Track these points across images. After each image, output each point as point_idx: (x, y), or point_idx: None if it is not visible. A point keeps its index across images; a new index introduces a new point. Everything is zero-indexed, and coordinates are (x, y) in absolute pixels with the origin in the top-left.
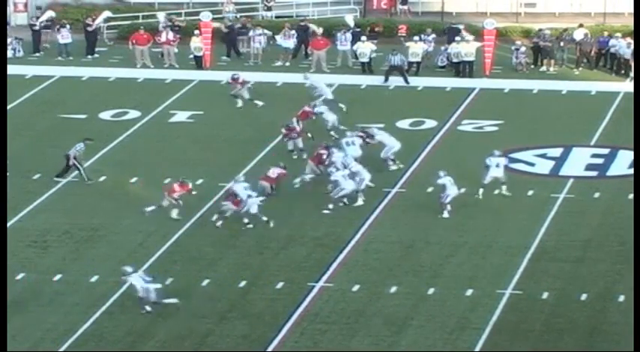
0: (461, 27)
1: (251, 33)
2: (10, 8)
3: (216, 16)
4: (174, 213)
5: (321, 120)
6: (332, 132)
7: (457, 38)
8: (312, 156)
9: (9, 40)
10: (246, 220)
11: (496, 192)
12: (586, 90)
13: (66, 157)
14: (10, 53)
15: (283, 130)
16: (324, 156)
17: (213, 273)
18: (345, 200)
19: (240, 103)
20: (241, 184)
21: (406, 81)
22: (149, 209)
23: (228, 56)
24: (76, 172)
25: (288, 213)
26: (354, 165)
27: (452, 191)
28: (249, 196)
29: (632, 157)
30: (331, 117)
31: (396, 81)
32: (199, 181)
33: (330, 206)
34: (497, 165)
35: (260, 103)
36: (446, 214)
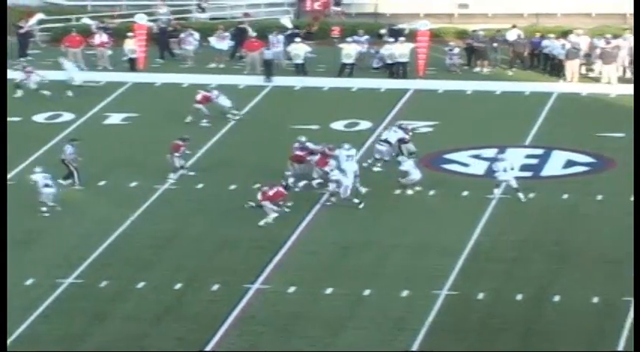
0: (405, 27)
1: (182, 35)
2: None
3: (150, 18)
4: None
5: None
6: (228, 116)
7: (390, 39)
8: (318, 160)
9: None
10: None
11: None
12: (520, 91)
13: (62, 162)
14: None
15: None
16: (329, 159)
17: (149, 275)
18: (355, 199)
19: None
20: None
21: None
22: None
23: (162, 58)
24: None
25: (224, 215)
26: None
27: (416, 175)
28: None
29: (567, 158)
30: (227, 103)
31: (330, 82)
32: (133, 183)
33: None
34: (505, 170)
35: (47, 93)
36: (410, 192)
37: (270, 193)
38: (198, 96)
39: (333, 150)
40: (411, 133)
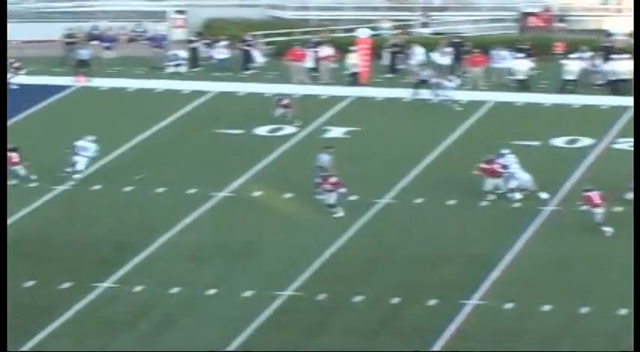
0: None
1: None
2: (168, 23)
3: (373, 32)
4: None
5: None
6: None
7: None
8: (484, 169)
9: (172, 54)
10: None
11: None
12: None
13: (319, 168)
14: (172, 68)
15: None
16: (498, 168)
17: (366, 289)
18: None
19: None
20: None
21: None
22: None
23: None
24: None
25: (439, 230)
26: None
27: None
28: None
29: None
30: None
31: (552, 99)
32: (354, 197)
33: None
34: None
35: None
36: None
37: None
38: None
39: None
40: None
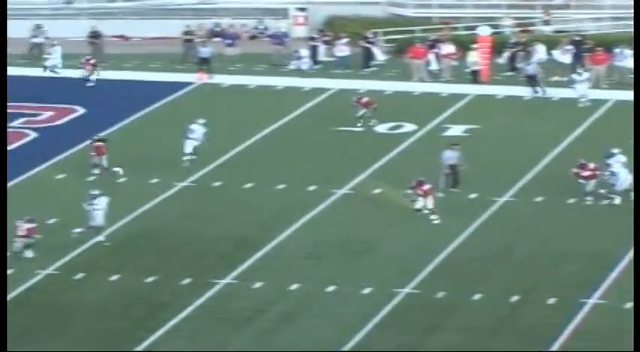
0: None
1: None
2: (290, 21)
3: (494, 30)
4: None
5: None
6: None
7: None
8: (576, 174)
9: (293, 51)
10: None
11: None
12: None
13: (450, 168)
14: (293, 65)
15: None
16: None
17: (485, 288)
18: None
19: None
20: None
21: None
22: None
23: (512, 71)
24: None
25: (561, 228)
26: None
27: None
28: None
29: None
30: None
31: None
32: (472, 195)
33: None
34: None
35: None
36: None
37: None
38: None
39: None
40: None
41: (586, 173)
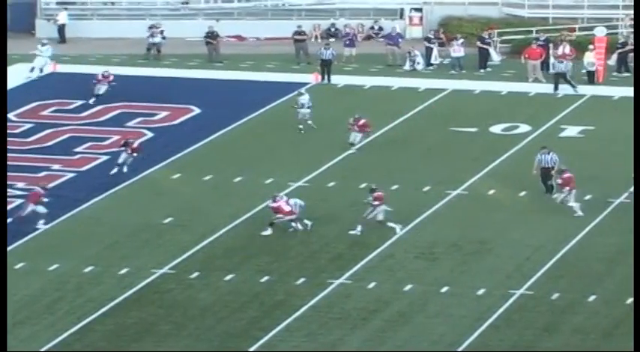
0: None
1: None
2: (406, 21)
3: (610, 31)
4: None
5: None
6: None
7: None
8: None
9: (408, 52)
10: None
11: None
12: None
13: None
14: (407, 65)
15: None
16: None
17: (600, 289)
18: None
19: None
20: None
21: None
22: None
23: (619, 72)
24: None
25: None
26: None
27: None
28: None
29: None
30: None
31: None
32: (589, 197)
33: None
34: None
35: None
36: None
37: None
38: None
39: None
40: None
41: None
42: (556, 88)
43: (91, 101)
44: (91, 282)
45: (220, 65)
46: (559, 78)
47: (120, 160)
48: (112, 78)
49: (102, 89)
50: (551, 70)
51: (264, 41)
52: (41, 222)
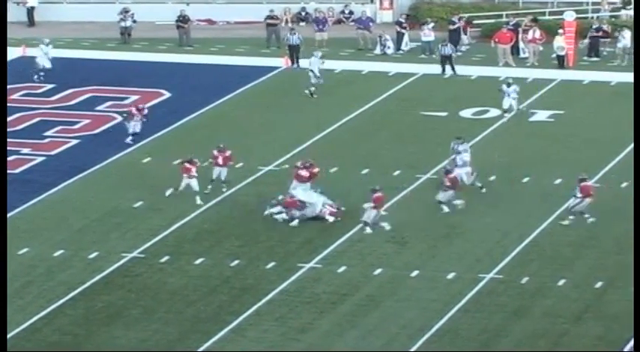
0: None
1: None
2: (376, 5)
3: (579, 15)
4: None
5: None
6: None
7: None
8: None
9: (380, 37)
10: None
11: None
12: None
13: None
14: (378, 49)
15: None
16: None
17: (570, 273)
18: None
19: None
20: None
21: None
22: None
23: (589, 56)
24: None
25: None
26: None
27: None
28: None
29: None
30: None
31: None
32: (558, 181)
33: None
34: None
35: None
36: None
37: None
38: None
39: None
40: None
41: None
42: (443, 71)
43: (129, 140)
44: (60, 266)
45: (191, 49)
46: (445, 61)
47: (137, 129)
48: (146, 111)
49: (138, 126)
50: (440, 53)
51: (235, 25)
52: None
